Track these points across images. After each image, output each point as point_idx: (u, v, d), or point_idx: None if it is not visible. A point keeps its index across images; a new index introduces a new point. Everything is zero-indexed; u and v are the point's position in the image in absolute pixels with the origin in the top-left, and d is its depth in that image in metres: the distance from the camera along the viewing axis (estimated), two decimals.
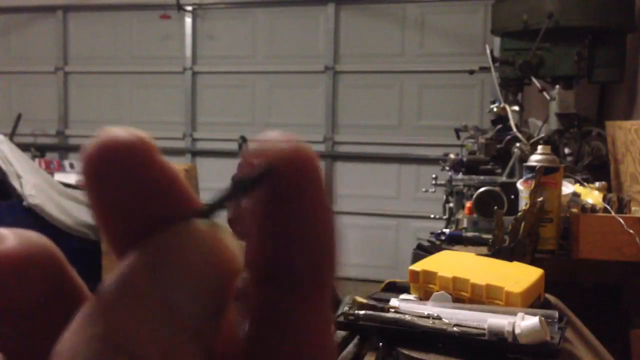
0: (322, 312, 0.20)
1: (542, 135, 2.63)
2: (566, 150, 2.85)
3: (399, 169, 5.49)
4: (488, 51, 3.08)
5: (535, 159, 1.82)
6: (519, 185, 1.89)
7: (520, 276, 1.25)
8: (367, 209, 5.55)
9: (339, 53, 5.58)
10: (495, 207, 1.82)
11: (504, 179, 2.35)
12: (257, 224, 0.20)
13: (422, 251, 1.77)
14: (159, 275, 0.18)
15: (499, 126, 2.84)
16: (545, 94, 2.91)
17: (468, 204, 2.13)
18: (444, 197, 2.98)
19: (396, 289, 1.36)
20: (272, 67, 5.70)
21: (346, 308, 1.12)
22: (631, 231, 1.73)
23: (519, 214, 1.62)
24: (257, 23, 5.73)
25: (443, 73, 5.34)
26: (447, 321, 1.07)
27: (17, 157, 4.36)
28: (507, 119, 2.72)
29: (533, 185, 1.71)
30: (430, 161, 4.94)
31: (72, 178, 5.05)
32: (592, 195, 1.97)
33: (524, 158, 2.13)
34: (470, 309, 1.12)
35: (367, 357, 1.13)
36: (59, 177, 4.94)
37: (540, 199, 1.64)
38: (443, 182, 2.97)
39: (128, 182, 0.18)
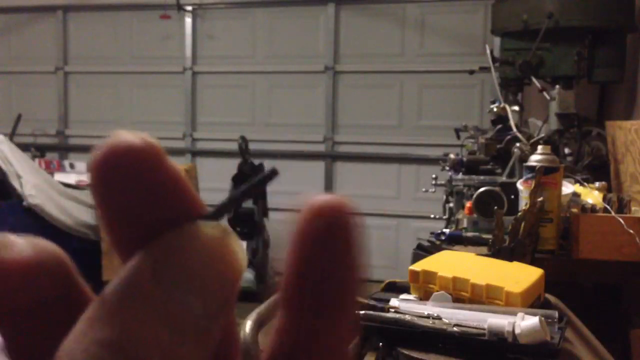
0: (343, 338, 0.21)
1: (542, 135, 2.62)
2: (566, 150, 2.85)
3: (399, 169, 5.49)
4: (488, 51, 3.08)
5: (535, 159, 1.82)
6: (519, 185, 1.89)
7: (520, 276, 1.25)
8: (367, 209, 5.54)
9: (339, 53, 5.58)
10: (495, 207, 1.82)
11: (504, 179, 2.35)
12: (292, 259, 0.20)
13: (422, 251, 1.77)
14: (163, 277, 0.18)
15: (499, 126, 2.84)
16: (545, 94, 2.91)
17: (468, 204, 2.13)
18: (444, 197, 2.98)
19: (396, 289, 1.36)
20: (272, 67, 5.70)
21: None
22: (631, 231, 1.73)
23: (519, 214, 1.62)
24: (257, 23, 5.74)
25: (443, 73, 5.34)
26: (447, 321, 1.07)
27: (17, 157, 4.36)
28: (507, 119, 2.72)
29: (533, 185, 1.71)
30: (430, 161, 4.94)
31: (72, 178, 5.05)
32: (592, 195, 1.97)
33: (524, 158, 2.13)
34: (470, 309, 1.12)
35: (367, 357, 1.13)
36: (59, 177, 4.94)
37: (540, 199, 1.64)
38: (443, 182, 2.97)
39: (135, 186, 0.19)
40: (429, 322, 1.07)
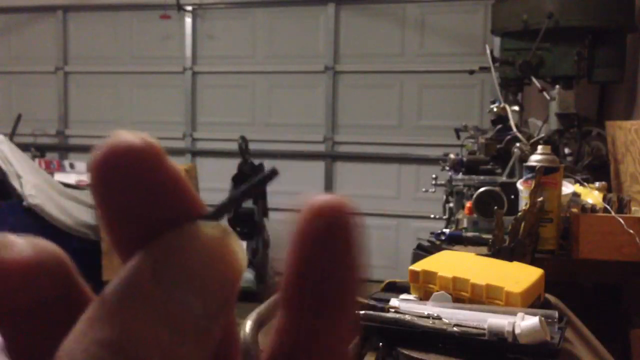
0: (343, 338, 0.21)
1: (542, 135, 2.62)
2: (566, 150, 2.85)
3: (399, 169, 5.49)
4: (488, 51, 3.08)
5: (535, 159, 1.82)
6: (519, 185, 1.88)
7: (520, 276, 1.25)
8: (367, 209, 5.54)
9: (339, 53, 5.58)
10: (495, 207, 1.82)
11: (504, 179, 2.35)
12: (292, 259, 0.20)
13: (422, 251, 1.77)
14: (163, 277, 0.18)
15: (499, 126, 2.84)
16: (545, 94, 2.91)
17: (468, 204, 2.13)
18: (444, 197, 2.98)
19: (396, 289, 1.36)
20: (272, 67, 5.70)
21: None
22: (631, 231, 1.73)
23: (519, 214, 1.62)
24: (257, 23, 5.74)
25: (443, 73, 5.34)
26: (447, 321, 1.07)
27: (17, 157, 4.36)
28: (507, 119, 2.72)
29: (533, 185, 1.71)
30: (430, 161, 4.94)
31: (72, 178, 5.05)
32: (592, 195, 1.97)
33: (524, 158, 2.13)
34: (470, 309, 1.12)
35: (367, 357, 1.13)
36: (59, 177, 4.94)
37: (540, 199, 1.64)
38: (443, 182, 2.97)
39: (135, 186, 0.19)
40: (429, 322, 1.07)
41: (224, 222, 0.20)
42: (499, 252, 1.56)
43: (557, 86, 2.96)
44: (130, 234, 0.19)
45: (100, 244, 4.22)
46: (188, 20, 5.82)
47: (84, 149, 6.06)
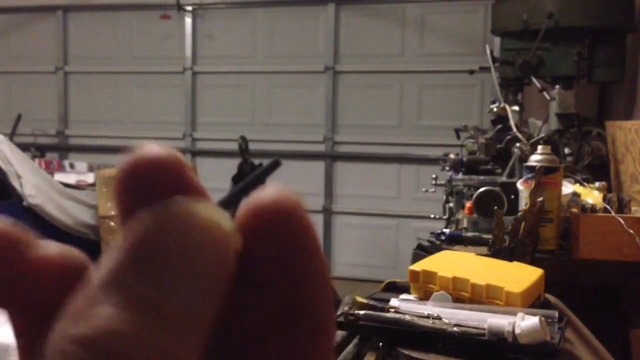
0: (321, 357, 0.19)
1: (542, 135, 2.62)
2: (566, 150, 2.85)
3: (399, 169, 5.49)
4: (488, 51, 3.08)
5: (535, 159, 1.82)
6: (519, 185, 1.88)
7: (520, 276, 1.25)
8: (367, 209, 5.55)
9: (339, 53, 5.58)
10: (495, 207, 1.82)
11: (504, 179, 2.35)
12: (254, 275, 0.19)
13: (422, 251, 1.77)
14: (144, 265, 0.17)
15: (499, 126, 2.84)
16: (545, 94, 2.91)
17: (468, 204, 2.13)
18: (444, 197, 2.98)
19: (396, 289, 1.36)
20: (272, 67, 5.70)
21: (346, 308, 1.12)
22: (631, 231, 1.73)
23: (519, 214, 1.62)
24: (257, 23, 5.74)
25: (443, 73, 5.34)
26: (447, 321, 1.07)
27: (17, 157, 4.36)
28: (507, 119, 2.72)
29: (533, 185, 1.71)
30: (430, 161, 4.94)
31: (72, 178, 5.06)
32: (592, 195, 1.97)
33: (524, 158, 2.13)
34: (470, 309, 1.12)
35: (367, 357, 1.13)
36: (59, 177, 4.94)
37: (540, 199, 1.64)
38: (443, 182, 2.97)
39: (159, 196, 0.18)
40: (429, 322, 1.07)
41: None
42: (499, 252, 1.56)
43: (557, 86, 2.97)
44: None
45: (100, 244, 4.22)
46: (188, 20, 5.82)
47: (84, 149, 6.06)
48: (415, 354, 1.05)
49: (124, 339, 0.16)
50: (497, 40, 3.61)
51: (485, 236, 1.87)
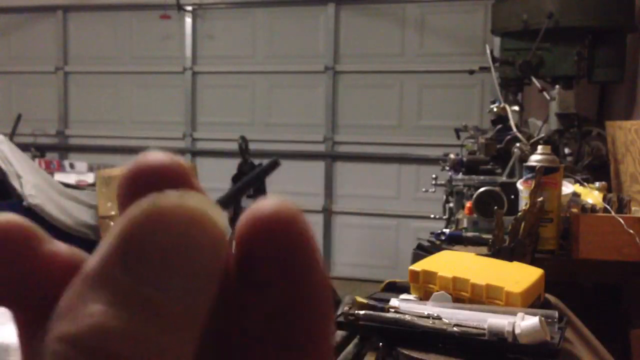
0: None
1: (542, 135, 2.62)
2: (566, 150, 2.85)
3: (399, 169, 5.49)
4: (488, 51, 3.08)
5: (535, 159, 1.82)
6: (519, 185, 1.88)
7: (520, 276, 1.25)
8: (367, 209, 5.55)
9: (339, 53, 5.58)
10: (495, 207, 1.82)
11: (504, 179, 2.35)
12: (254, 276, 0.19)
13: (422, 251, 1.77)
14: (133, 260, 0.17)
15: (499, 126, 2.84)
16: (545, 94, 2.91)
17: (468, 204, 2.13)
18: (444, 197, 2.98)
19: (396, 289, 1.36)
20: (272, 67, 5.70)
21: (346, 308, 1.12)
22: (631, 231, 1.73)
23: (519, 214, 1.62)
24: (257, 23, 5.74)
25: (443, 73, 5.34)
26: (447, 321, 1.07)
27: (17, 157, 4.36)
28: (507, 119, 2.72)
29: (533, 185, 1.71)
30: (430, 161, 4.94)
31: (72, 178, 5.06)
32: (592, 195, 1.97)
33: (524, 158, 2.13)
34: (470, 309, 1.12)
35: (367, 357, 1.13)
36: (59, 177, 4.94)
37: (540, 199, 1.64)
38: (443, 182, 2.97)
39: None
40: (429, 322, 1.07)
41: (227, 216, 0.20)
42: (499, 252, 1.56)
43: (557, 86, 2.97)
44: None
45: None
46: (188, 20, 5.82)
47: (84, 149, 6.06)
48: (415, 354, 1.05)
49: (113, 336, 0.16)
50: (497, 40, 3.61)
51: (485, 236, 1.87)
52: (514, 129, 2.59)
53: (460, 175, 2.60)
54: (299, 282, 0.19)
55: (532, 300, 1.22)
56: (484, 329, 1.03)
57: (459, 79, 5.15)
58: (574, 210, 1.85)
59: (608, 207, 1.84)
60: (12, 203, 4.20)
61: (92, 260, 0.17)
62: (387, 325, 1.09)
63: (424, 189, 3.48)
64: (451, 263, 1.33)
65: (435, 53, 5.37)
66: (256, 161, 5.11)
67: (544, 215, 1.70)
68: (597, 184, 2.11)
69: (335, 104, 5.59)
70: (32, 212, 4.19)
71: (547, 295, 1.32)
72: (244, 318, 0.19)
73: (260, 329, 0.19)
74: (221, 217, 0.18)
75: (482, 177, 2.49)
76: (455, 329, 1.05)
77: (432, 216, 3.32)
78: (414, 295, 1.27)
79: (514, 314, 1.06)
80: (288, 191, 5.53)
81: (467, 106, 5.29)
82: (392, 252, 5.43)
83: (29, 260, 0.18)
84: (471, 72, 3.68)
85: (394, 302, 1.16)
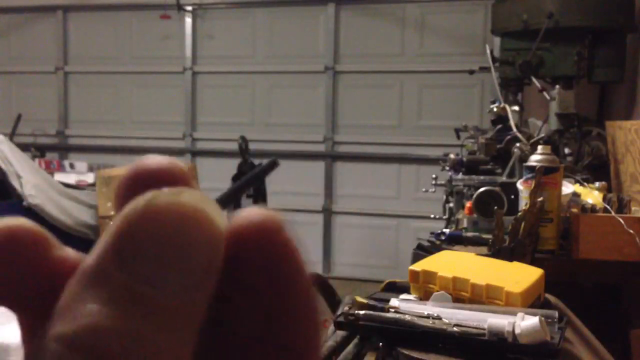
0: None
1: (542, 135, 2.62)
2: (566, 150, 2.85)
3: (399, 169, 5.49)
4: (488, 51, 3.08)
5: (535, 159, 1.82)
6: (519, 185, 1.88)
7: (520, 276, 1.25)
8: (367, 209, 5.55)
9: (339, 53, 5.58)
10: (495, 207, 1.82)
11: (504, 179, 2.35)
12: (242, 282, 0.19)
13: (422, 251, 1.77)
14: (128, 258, 0.17)
15: (499, 126, 2.84)
16: (545, 94, 2.91)
17: (468, 204, 2.13)
18: (444, 197, 2.98)
19: (396, 289, 1.36)
20: (272, 67, 5.70)
21: (346, 308, 1.12)
22: (631, 231, 1.73)
23: (519, 214, 1.62)
24: (257, 23, 5.74)
25: (443, 73, 5.34)
26: (447, 321, 1.07)
27: (17, 157, 4.36)
28: (507, 119, 2.72)
29: (533, 185, 1.71)
30: (430, 161, 4.94)
31: (72, 178, 5.05)
32: (592, 195, 1.97)
33: (524, 158, 2.13)
34: (470, 309, 1.12)
35: (367, 357, 1.13)
36: (59, 177, 4.94)
37: (540, 199, 1.64)
38: (443, 182, 2.97)
39: None
40: (429, 322, 1.07)
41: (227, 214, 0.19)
42: (499, 252, 1.56)
43: (557, 86, 2.97)
44: None
45: None
46: (188, 20, 5.82)
47: (84, 149, 6.06)
48: (415, 354, 1.05)
49: (108, 335, 0.16)
50: (497, 40, 3.61)
51: (485, 236, 1.87)
52: (514, 129, 2.59)
53: (460, 175, 2.60)
54: (284, 289, 0.18)
55: (532, 300, 1.22)
56: (484, 329, 1.03)
57: (459, 79, 5.15)
58: (574, 210, 1.85)
59: (608, 207, 1.84)
60: (12, 203, 4.20)
61: (88, 259, 0.17)
62: (387, 325, 1.09)
63: (424, 189, 3.48)
64: (451, 263, 1.33)
65: (435, 53, 5.37)
66: (256, 161, 5.11)
67: (544, 215, 1.70)
68: (597, 184, 2.11)
69: (335, 104, 5.59)
70: (32, 212, 4.19)
71: (547, 295, 1.32)
72: (234, 321, 0.19)
73: (250, 331, 0.19)
74: (219, 215, 0.18)
75: (482, 177, 2.49)
76: (455, 329, 1.05)
77: (432, 216, 3.32)
78: (414, 295, 1.27)
79: (514, 314, 1.06)
80: (288, 191, 5.54)
81: (467, 106, 5.29)
82: (392, 252, 5.43)
83: (37, 265, 0.18)
84: (471, 72, 3.68)
85: (394, 302, 1.16)
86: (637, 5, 3.16)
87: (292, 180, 5.51)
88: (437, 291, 1.22)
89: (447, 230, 2.03)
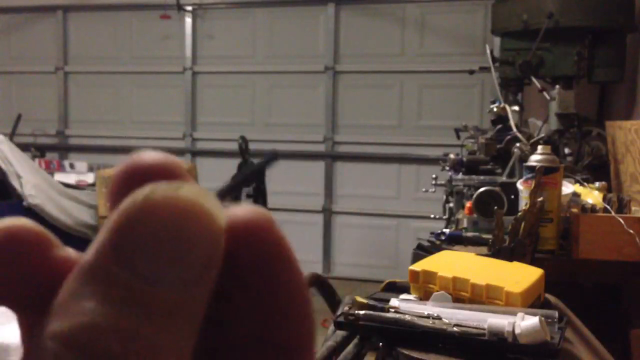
0: None
1: (542, 135, 2.62)
2: (566, 150, 2.85)
3: (399, 169, 5.49)
4: (488, 51, 3.08)
5: (535, 159, 1.82)
6: (519, 185, 1.88)
7: (520, 276, 1.25)
8: (367, 209, 5.55)
9: (339, 53, 5.58)
10: (495, 207, 1.82)
11: (504, 179, 2.35)
12: (232, 299, 0.18)
13: (422, 251, 1.77)
14: (127, 254, 0.16)
15: (499, 126, 2.84)
16: (545, 94, 2.91)
17: (468, 204, 2.13)
18: (444, 197, 2.98)
19: (396, 289, 1.36)
20: (272, 67, 5.70)
21: (346, 308, 1.12)
22: (631, 231, 1.73)
23: (519, 214, 1.62)
24: (257, 23, 5.74)
25: (443, 73, 5.34)
26: (447, 321, 1.07)
27: (17, 157, 4.36)
28: (507, 119, 2.72)
29: (533, 185, 1.71)
30: (430, 161, 4.94)
31: (72, 178, 5.06)
32: (592, 195, 1.97)
33: (524, 158, 2.13)
34: (470, 309, 1.12)
35: (367, 357, 1.13)
36: (59, 177, 4.94)
37: (540, 199, 1.64)
38: (443, 182, 2.97)
39: None
40: (429, 322, 1.07)
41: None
42: (499, 252, 1.56)
43: (557, 86, 2.97)
44: None
45: None
46: (188, 20, 5.82)
47: (84, 149, 6.06)
48: (415, 354, 1.05)
49: (105, 333, 0.15)
50: (497, 40, 3.61)
51: (485, 236, 1.87)
52: (514, 129, 2.59)
53: (460, 175, 2.60)
54: (277, 287, 0.18)
55: (532, 300, 1.22)
56: (484, 329, 1.03)
57: (459, 79, 5.15)
58: (574, 210, 1.85)
59: (608, 207, 1.84)
60: (12, 203, 4.20)
61: (86, 255, 0.17)
62: (387, 325, 1.09)
63: (424, 189, 3.48)
64: (451, 263, 1.33)
65: (435, 53, 5.37)
66: (256, 161, 5.12)
67: (544, 215, 1.70)
68: (597, 184, 2.11)
69: (335, 104, 5.59)
70: (32, 212, 4.19)
71: (547, 295, 1.32)
72: (227, 319, 0.19)
73: (245, 330, 0.18)
74: (218, 209, 0.17)
75: (482, 177, 2.49)
76: (455, 329, 1.05)
77: (432, 216, 3.32)
78: (414, 295, 1.27)
79: (514, 314, 1.06)
80: (288, 191, 5.54)
81: (467, 106, 5.29)
82: (392, 252, 5.43)
83: (38, 265, 0.18)
84: (471, 72, 3.68)
85: (394, 302, 1.16)
86: (637, 5, 3.16)
87: (292, 180, 5.51)
88: (437, 291, 1.22)
89: (447, 230, 2.03)
